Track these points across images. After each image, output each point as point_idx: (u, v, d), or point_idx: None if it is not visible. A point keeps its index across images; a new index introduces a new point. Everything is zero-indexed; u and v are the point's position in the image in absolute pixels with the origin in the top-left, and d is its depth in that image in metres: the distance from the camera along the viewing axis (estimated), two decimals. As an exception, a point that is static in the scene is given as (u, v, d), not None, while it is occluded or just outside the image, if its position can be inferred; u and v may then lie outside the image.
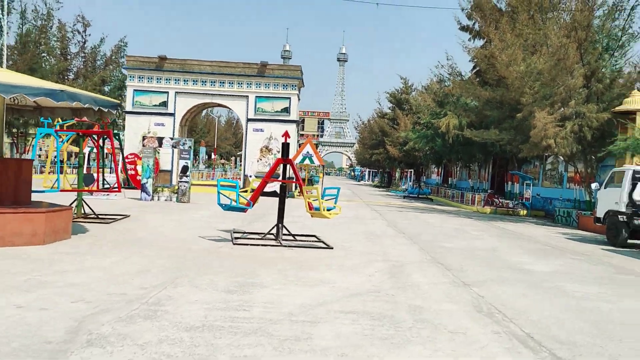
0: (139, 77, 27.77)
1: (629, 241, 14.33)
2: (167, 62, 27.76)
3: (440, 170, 53.89)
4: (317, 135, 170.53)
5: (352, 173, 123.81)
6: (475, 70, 29.90)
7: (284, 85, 27.99)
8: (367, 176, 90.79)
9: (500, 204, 27.39)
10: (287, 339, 4.72)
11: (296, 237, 11.12)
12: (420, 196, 37.33)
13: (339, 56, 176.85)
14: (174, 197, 19.42)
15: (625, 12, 19.82)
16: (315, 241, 11.13)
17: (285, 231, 11.06)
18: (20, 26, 38.26)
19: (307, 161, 27.46)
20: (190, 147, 19.32)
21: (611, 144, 18.01)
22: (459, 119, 28.47)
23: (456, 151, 33.33)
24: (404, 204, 28.81)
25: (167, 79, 27.80)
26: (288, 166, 11.08)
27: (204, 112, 68.50)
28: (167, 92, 27.76)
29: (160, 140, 19.35)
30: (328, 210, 10.86)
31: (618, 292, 7.90)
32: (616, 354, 4.95)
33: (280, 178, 11.05)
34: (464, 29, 30.00)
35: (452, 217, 21.85)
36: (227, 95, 27.99)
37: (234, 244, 10.21)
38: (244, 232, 11.86)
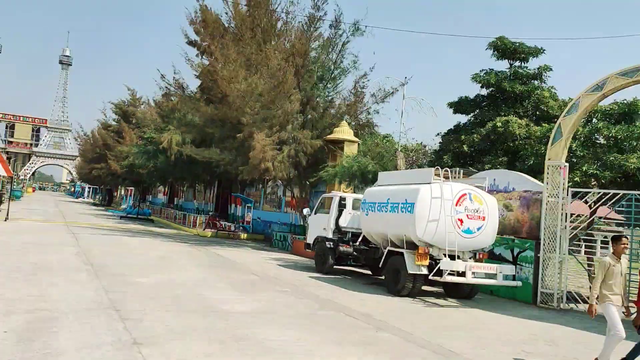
0: None
1: (336, 267, 14.39)
2: None
3: (166, 189, 51.33)
4: (31, 145, 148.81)
5: (72, 189, 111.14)
6: (201, 87, 28.73)
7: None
8: (86, 193, 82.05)
9: (221, 227, 26.43)
10: None
11: None
12: (139, 217, 34.18)
13: (61, 58, 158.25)
14: None
15: (337, 48, 20.97)
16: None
17: None
18: None
19: (-12, 171, 22.04)
20: None
21: (322, 170, 18.50)
22: (182, 135, 26.70)
23: (180, 169, 31.44)
24: (116, 226, 25.50)
25: None
26: None
27: None
28: None
29: None
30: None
31: (317, 339, 6.91)
32: None
33: None
34: (191, 43, 28.65)
35: (165, 241, 19.73)
36: None
37: None
38: None
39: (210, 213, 30.75)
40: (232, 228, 26.53)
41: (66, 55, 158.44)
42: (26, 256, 11.77)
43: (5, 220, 21.84)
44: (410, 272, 10.98)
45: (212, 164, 25.39)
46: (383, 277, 12.56)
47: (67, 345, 5.40)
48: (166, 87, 32.75)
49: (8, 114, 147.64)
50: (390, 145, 21.80)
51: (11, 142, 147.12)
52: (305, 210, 16.93)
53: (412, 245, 11.32)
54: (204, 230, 26.18)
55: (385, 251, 11.97)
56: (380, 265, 12.25)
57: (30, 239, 15.35)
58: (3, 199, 31.13)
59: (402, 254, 11.29)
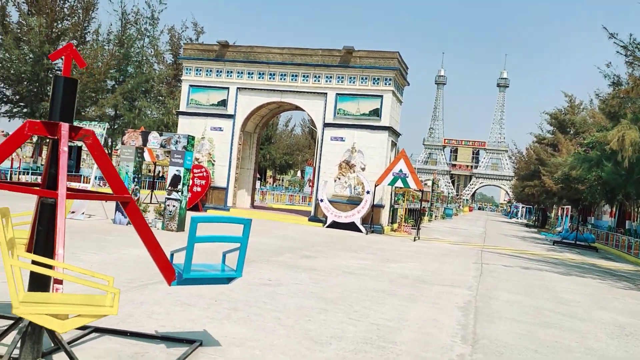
0: (197, 70, 22.40)
1: None
2: (230, 51, 22.07)
3: (614, 209, 41.30)
4: (471, 167, 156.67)
5: (508, 209, 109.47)
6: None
7: (374, 79, 20.50)
8: (520, 213, 77.86)
9: None
10: None
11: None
12: (578, 243, 26.81)
13: (498, 81, 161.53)
14: (160, 222, 13.19)
15: None
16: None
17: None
18: (121, 29, 36.46)
19: (399, 183, 19.65)
20: (185, 146, 12.98)
21: None
22: (640, 129, 18.46)
23: (636, 181, 22.67)
24: (545, 255, 19.34)
25: (228, 72, 22.02)
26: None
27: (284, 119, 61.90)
28: (228, 88, 21.91)
29: (145, 136, 13.36)
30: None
31: None
32: None
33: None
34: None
35: (618, 288, 12.43)
36: (300, 92, 21.30)
37: None
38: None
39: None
40: None
41: (503, 78, 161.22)
42: (374, 309, 7.24)
43: (414, 241, 18.91)
44: None
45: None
46: None
47: None
48: (614, 75, 24.68)
49: (452, 139, 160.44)
50: None
51: (454, 165, 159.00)
52: None
53: None
54: (680, 270, 17.11)
55: None
56: None
57: (412, 271, 11.13)
58: (428, 217, 29.47)
59: None
